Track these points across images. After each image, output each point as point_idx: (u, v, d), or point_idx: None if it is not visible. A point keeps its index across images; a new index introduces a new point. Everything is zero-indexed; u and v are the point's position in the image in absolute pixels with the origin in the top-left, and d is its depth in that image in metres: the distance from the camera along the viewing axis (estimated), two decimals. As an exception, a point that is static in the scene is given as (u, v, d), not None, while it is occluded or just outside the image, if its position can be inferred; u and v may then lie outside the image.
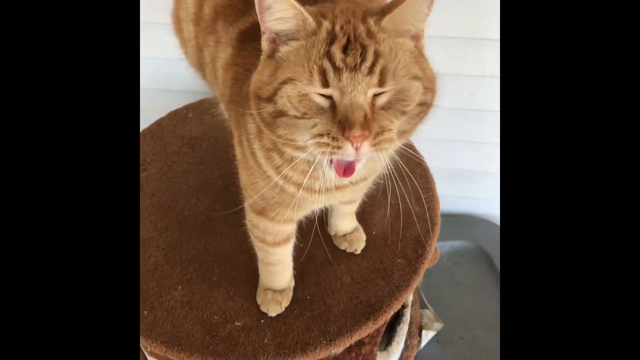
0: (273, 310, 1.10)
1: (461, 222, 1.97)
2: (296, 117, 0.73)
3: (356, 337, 1.08)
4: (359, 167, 0.79)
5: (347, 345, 1.09)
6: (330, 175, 0.82)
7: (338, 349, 1.08)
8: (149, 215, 1.29)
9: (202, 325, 1.09)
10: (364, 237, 1.23)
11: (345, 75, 0.70)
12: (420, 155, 1.43)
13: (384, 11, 0.74)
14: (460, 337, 1.67)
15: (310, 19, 0.73)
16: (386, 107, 0.72)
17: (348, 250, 1.22)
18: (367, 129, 0.69)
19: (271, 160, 0.87)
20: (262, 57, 0.78)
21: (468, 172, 1.88)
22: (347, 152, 0.71)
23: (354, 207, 1.19)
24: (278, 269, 1.09)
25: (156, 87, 1.83)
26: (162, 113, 1.59)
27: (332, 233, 1.24)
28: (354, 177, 0.81)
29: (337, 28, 0.73)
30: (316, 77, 0.71)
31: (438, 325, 1.64)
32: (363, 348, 1.21)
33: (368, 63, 0.70)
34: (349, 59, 0.70)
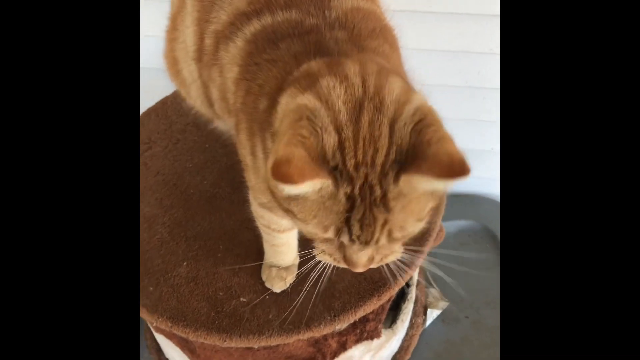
0: (278, 286, 1.10)
1: (467, 202, 1.96)
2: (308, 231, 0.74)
3: (360, 313, 1.09)
4: None
5: (352, 321, 1.09)
6: None
7: (342, 324, 1.08)
8: (154, 192, 1.29)
9: (207, 301, 1.09)
10: None
11: (357, 246, 0.70)
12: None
13: (407, 159, 0.65)
14: (466, 316, 1.67)
15: (328, 184, 0.65)
16: (390, 241, 0.71)
17: None
18: (369, 265, 0.74)
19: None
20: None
21: (474, 151, 1.86)
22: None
23: None
24: (283, 249, 1.09)
25: (161, 66, 1.82)
26: (168, 92, 1.58)
27: None
28: None
29: (356, 192, 0.65)
30: (331, 232, 0.69)
31: (443, 304, 1.64)
32: (368, 324, 1.21)
33: (377, 235, 0.68)
34: (362, 237, 0.68)
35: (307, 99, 0.67)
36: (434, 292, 1.70)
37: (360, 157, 0.65)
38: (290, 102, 0.70)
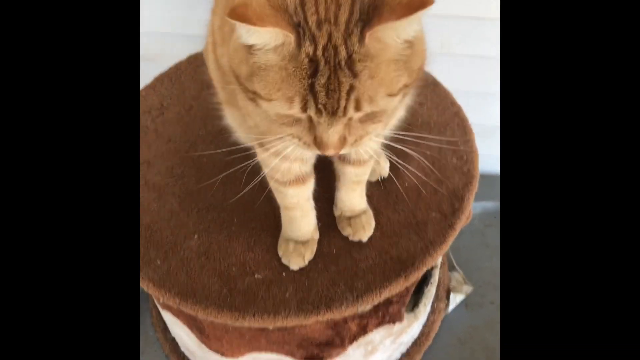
0: (295, 262, 1.02)
1: (494, 182, 1.86)
2: (278, 120, 0.71)
3: (385, 294, 1.00)
4: None
5: (375, 302, 1.01)
6: None
7: (365, 306, 1.00)
8: (165, 161, 1.21)
9: (219, 276, 1.01)
10: (372, 223, 1.08)
11: (324, 118, 0.67)
12: (457, 105, 1.32)
13: (370, 15, 0.64)
14: (491, 302, 1.57)
15: (289, 40, 0.64)
16: (363, 120, 0.70)
17: (351, 239, 1.07)
18: (341, 146, 0.70)
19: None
20: (233, 37, 0.70)
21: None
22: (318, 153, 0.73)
23: (363, 174, 1.04)
24: (297, 214, 1.01)
25: (175, 31, 1.74)
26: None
27: (337, 213, 1.10)
28: None
29: (319, 53, 0.64)
30: (297, 104, 0.66)
31: (467, 289, 1.56)
32: (390, 307, 1.13)
33: (343, 104, 0.66)
34: (328, 104, 0.65)
35: None
36: (457, 275, 1.61)
37: (322, 13, 0.64)
38: None
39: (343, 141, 0.70)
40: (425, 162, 1.20)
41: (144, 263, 1.03)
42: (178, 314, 1.15)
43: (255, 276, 1.01)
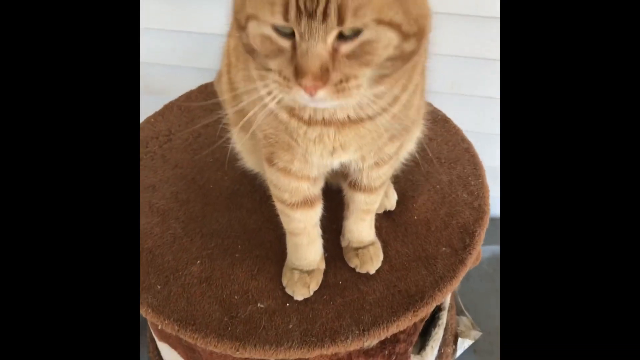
0: (300, 293, 0.98)
1: (503, 227, 1.83)
2: (263, 55, 0.67)
3: (393, 330, 0.95)
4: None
5: (382, 337, 0.96)
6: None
7: (372, 340, 0.95)
8: (170, 186, 1.19)
9: (220, 304, 0.97)
10: (380, 255, 1.04)
11: (304, 21, 0.61)
12: (468, 141, 1.31)
13: None
14: (500, 349, 1.52)
15: None
16: (351, 56, 0.64)
17: (358, 270, 1.03)
18: (322, 79, 0.63)
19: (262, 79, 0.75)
20: None
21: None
22: (300, 94, 0.65)
23: (373, 202, 1.00)
24: (303, 240, 0.98)
25: (186, 64, 1.76)
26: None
27: (344, 244, 1.06)
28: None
29: None
30: (278, 9, 0.62)
31: (476, 334, 1.50)
32: (398, 346, 1.08)
33: (322, 7, 0.60)
34: (308, 3, 0.60)
35: None
36: (465, 320, 1.55)
37: None
38: None
39: (325, 73, 0.63)
40: (436, 196, 1.18)
41: (144, 288, 0.99)
42: (176, 345, 1.10)
43: (258, 305, 0.97)
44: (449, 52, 1.54)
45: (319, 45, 0.62)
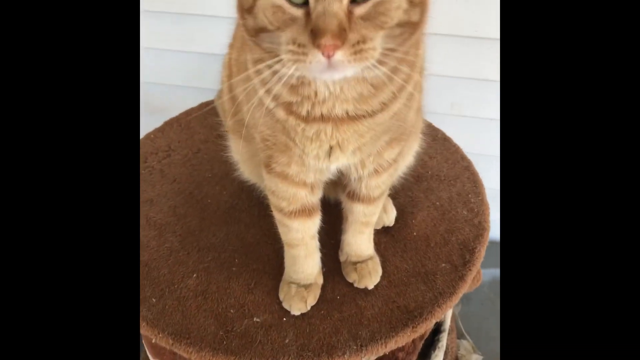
0: (297, 307, 0.96)
1: (504, 250, 1.81)
2: (273, 31, 0.67)
3: (391, 345, 0.93)
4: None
5: (380, 353, 0.94)
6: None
7: (369, 357, 0.93)
8: (168, 200, 1.18)
9: (215, 318, 0.95)
10: (379, 270, 1.03)
11: None
12: (468, 159, 1.31)
13: None
14: (502, 374, 1.49)
15: None
16: (365, 18, 0.65)
17: (356, 285, 1.01)
18: (340, 38, 0.63)
19: (259, 73, 0.76)
20: None
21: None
22: (317, 59, 0.64)
23: (371, 213, 1.00)
24: (301, 252, 0.96)
25: (186, 84, 1.78)
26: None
27: (342, 258, 1.05)
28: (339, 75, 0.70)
29: None
30: None
31: (477, 358, 1.47)
32: (396, 365, 1.05)
33: None
34: None
35: None
36: (466, 344, 1.53)
37: None
38: None
39: (343, 33, 0.63)
40: (435, 212, 1.17)
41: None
42: (169, 361, 1.08)
43: (254, 319, 0.96)
44: (448, 74, 1.55)
45: (336, 4, 0.63)
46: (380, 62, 0.68)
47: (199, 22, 1.62)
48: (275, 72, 0.70)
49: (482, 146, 1.66)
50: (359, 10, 0.64)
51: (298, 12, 0.65)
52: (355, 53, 0.64)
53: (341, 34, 0.63)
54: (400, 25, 0.67)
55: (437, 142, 1.34)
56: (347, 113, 0.78)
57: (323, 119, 0.78)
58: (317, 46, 0.62)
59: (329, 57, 0.63)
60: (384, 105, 0.78)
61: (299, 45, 0.65)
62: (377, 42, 0.66)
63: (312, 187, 0.91)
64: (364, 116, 0.78)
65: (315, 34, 0.63)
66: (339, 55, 0.63)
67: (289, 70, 0.67)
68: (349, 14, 0.64)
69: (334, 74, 0.68)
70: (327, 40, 0.62)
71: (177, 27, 1.67)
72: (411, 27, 0.69)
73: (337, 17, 0.63)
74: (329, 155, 0.83)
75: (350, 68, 0.66)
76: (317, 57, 0.64)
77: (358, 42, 0.64)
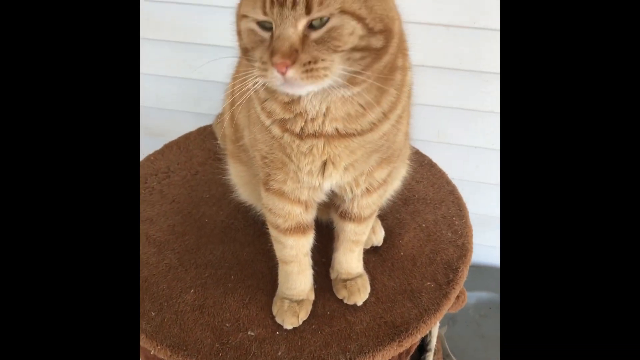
0: (289, 322, 1.01)
1: (489, 273, 1.87)
2: (250, 50, 0.77)
3: (378, 359, 0.98)
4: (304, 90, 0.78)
5: (368, 366, 0.99)
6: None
7: (358, 369, 0.98)
8: (167, 219, 1.24)
9: (212, 331, 1.00)
10: (367, 287, 1.08)
11: (276, 10, 0.72)
12: (452, 184, 1.38)
13: None
14: (486, 393, 1.53)
15: None
16: (319, 42, 0.73)
17: (346, 302, 1.06)
18: (290, 57, 0.71)
19: (258, 95, 0.86)
20: None
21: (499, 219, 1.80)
22: (273, 74, 0.73)
23: (362, 232, 1.06)
24: (294, 269, 1.02)
25: (185, 109, 1.84)
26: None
27: (333, 276, 1.11)
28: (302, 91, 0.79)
29: None
30: (258, 5, 0.73)
31: (462, 377, 1.52)
32: (383, 380, 1.10)
33: None
34: None
35: None
36: (451, 364, 1.58)
37: None
38: None
39: (294, 53, 0.71)
40: (421, 233, 1.23)
41: (138, 314, 1.02)
42: (166, 374, 1.12)
43: (249, 333, 1.01)
44: (435, 103, 1.63)
45: (290, 29, 0.72)
46: (353, 83, 0.77)
47: (198, 50, 1.69)
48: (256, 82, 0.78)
49: (465, 172, 1.73)
50: (315, 34, 0.73)
51: (266, 35, 0.75)
52: (306, 72, 0.72)
53: (292, 54, 0.71)
54: (358, 50, 0.74)
55: (424, 167, 1.41)
56: (337, 131, 0.84)
57: (315, 135, 0.85)
58: (273, 64, 0.72)
59: (282, 73, 0.72)
60: (374, 125, 0.85)
61: (263, 62, 0.75)
62: (333, 63, 0.73)
63: (306, 206, 0.97)
64: (353, 134, 0.85)
65: (271, 53, 0.72)
66: (291, 73, 0.72)
67: (261, 80, 0.77)
68: (305, 37, 0.73)
69: (295, 89, 0.76)
70: (277, 59, 0.71)
71: (177, 54, 1.74)
72: (373, 53, 0.76)
73: (289, 40, 0.72)
74: (322, 172, 0.89)
75: (306, 85, 0.74)
76: (273, 73, 0.73)
77: (309, 62, 0.72)
